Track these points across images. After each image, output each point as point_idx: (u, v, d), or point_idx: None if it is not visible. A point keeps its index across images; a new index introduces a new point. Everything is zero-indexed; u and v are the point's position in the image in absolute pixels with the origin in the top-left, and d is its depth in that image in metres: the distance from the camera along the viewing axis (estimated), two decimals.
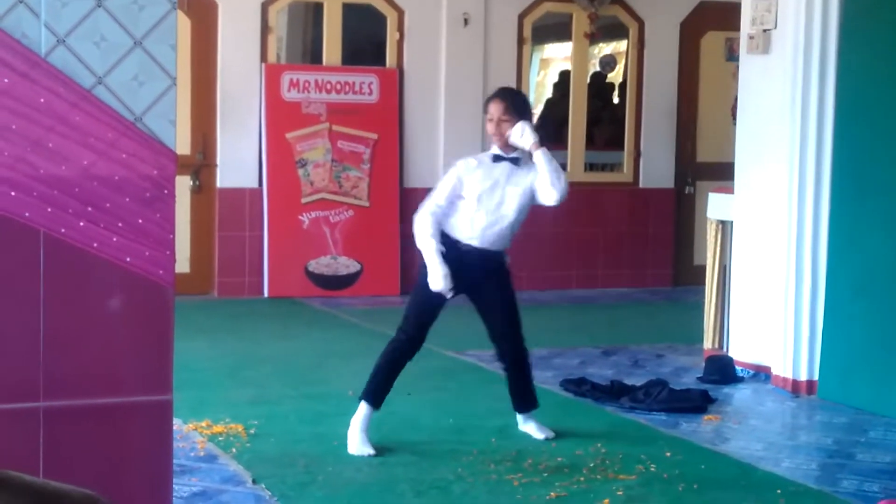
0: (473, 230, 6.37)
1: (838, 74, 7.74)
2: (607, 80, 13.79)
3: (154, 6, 3.56)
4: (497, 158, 6.42)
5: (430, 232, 6.33)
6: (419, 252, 6.42)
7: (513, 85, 11.55)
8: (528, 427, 6.66)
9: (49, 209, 3.47)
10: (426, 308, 6.43)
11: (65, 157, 3.48)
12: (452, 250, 6.34)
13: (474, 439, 6.54)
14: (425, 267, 6.32)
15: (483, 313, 6.55)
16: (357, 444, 6.29)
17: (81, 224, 3.50)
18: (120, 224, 3.52)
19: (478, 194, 6.35)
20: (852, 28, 7.68)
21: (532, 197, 6.40)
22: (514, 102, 6.49)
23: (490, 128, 6.46)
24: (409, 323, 6.47)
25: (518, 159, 6.40)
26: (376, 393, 6.41)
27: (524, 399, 6.68)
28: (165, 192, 3.57)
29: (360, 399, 6.41)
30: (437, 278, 6.23)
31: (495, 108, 6.42)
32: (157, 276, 3.57)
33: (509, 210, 6.37)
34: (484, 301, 6.52)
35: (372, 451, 6.23)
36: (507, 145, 6.40)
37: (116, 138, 3.52)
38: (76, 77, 3.49)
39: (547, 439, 6.56)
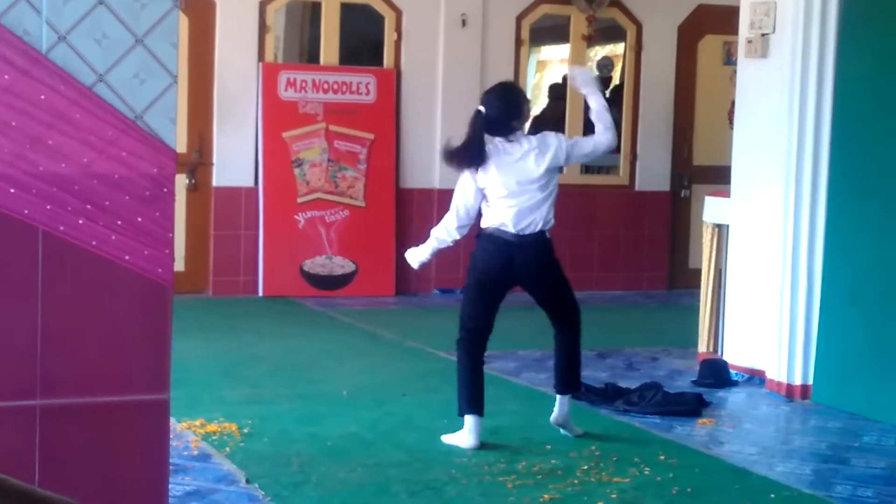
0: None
1: (836, 79, 7.74)
2: (611, 83, 13.76)
3: (156, 4, 3.55)
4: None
5: None
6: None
7: None
8: (564, 418, 6.72)
9: (48, 207, 3.46)
10: (482, 303, 6.59)
11: (64, 155, 3.47)
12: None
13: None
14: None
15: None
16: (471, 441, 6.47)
17: (80, 222, 3.49)
18: (119, 222, 3.52)
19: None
20: (851, 33, 7.68)
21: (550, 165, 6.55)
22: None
23: None
24: (466, 318, 6.59)
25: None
26: (471, 402, 6.50)
27: (570, 379, 6.76)
28: (165, 190, 3.56)
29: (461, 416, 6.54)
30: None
31: None
32: (156, 274, 3.57)
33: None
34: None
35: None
36: None
37: (117, 136, 3.51)
38: (77, 74, 3.49)
39: (577, 436, 6.66)
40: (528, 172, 6.47)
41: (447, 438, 6.50)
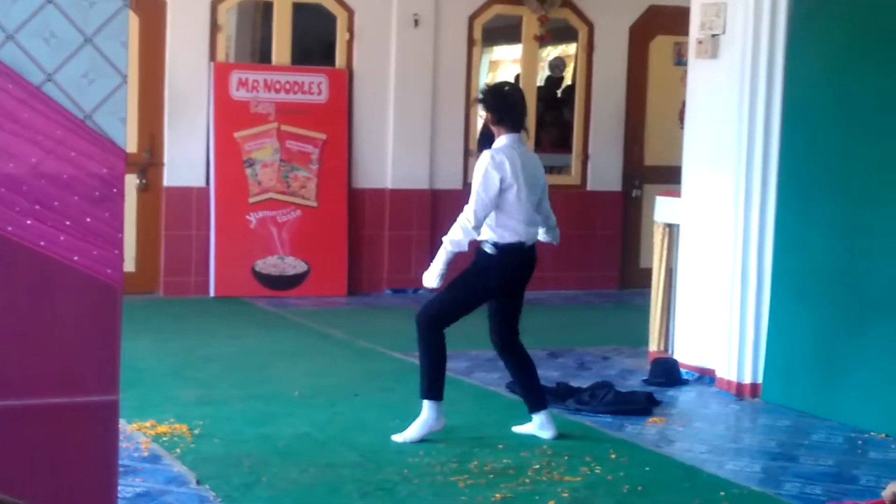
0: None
1: (785, 80, 7.80)
2: (563, 83, 13.80)
3: (105, 3, 3.53)
4: None
5: None
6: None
7: (462, 86, 11.69)
8: (541, 428, 6.74)
9: None
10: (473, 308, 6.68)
11: (12, 155, 3.44)
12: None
13: (420, 441, 6.53)
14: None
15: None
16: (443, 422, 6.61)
17: (28, 222, 3.47)
18: (68, 223, 3.49)
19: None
20: (800, 34, 7.74)
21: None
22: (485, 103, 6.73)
23: None
24: (450, 315, 6.63)
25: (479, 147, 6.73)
26: (442, 387, 6.61)
27: (540, 396, 6.80)
28: (115, 190, 3.54)
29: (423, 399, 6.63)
30: None
31: None
32: (105, 275, 3.54)
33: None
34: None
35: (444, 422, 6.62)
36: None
37: (65, 136, 3.49)
38: (25, 73, 3.46)
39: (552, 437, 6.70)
40: (538, 181, 6.69)
41: (411, 433, 6.52)
